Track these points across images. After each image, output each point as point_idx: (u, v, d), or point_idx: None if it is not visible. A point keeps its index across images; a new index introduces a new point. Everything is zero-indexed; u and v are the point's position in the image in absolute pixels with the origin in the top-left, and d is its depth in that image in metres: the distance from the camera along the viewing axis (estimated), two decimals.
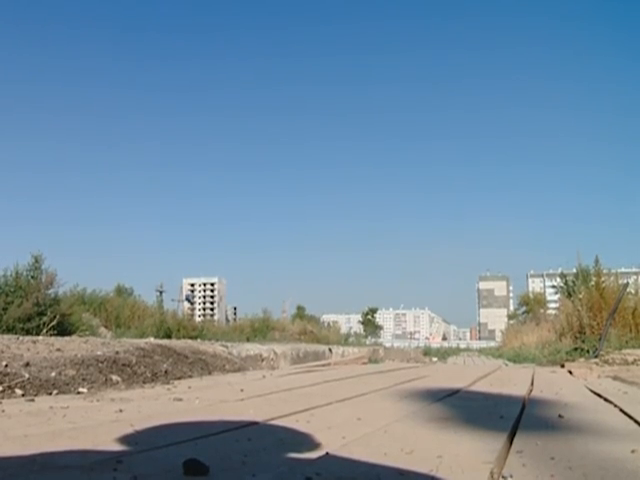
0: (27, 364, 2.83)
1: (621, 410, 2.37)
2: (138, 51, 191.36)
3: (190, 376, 4.18)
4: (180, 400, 2.63)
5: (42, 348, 3.29)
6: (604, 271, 10.69)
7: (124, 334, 12.07)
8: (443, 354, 22.03)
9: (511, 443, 1.61)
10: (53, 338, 4.17)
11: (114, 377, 3.29)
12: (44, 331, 8.32)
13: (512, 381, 3.90)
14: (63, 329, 9.04)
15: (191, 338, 10.25)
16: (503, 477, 1.24)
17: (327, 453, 1.41)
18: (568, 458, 1.41)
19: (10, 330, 7.94)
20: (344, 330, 30.55)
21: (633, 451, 1.48)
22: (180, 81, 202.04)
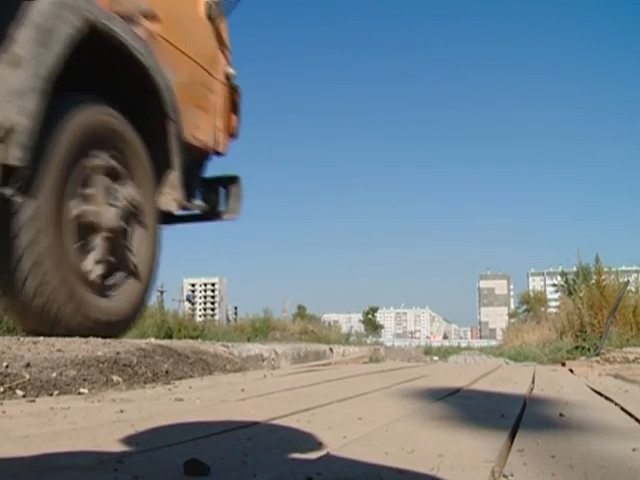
0: (28, 365, 2.83)
1: (622, 408, 2.36)
2: None
3: (191, 376, 4.18)
4: (181, 400, 2.63)
5: (43, 349, 3.28)
6: (604, 269, 10.69)
7: (125, 334, 12.06)
8: (444, 353, 22.03)
9: (512, 442, 1.60)
10: (54, 339, 4.18)
11: (115, 377, 3.29)
12: None
13: (513, 380, 3.90)
14: None
15: (192, 338, 10.25)
16: (504, 476, 1.24)
17: (328, 453, 1.41)
18: (569, 457, 1.41)
19: (11, 331, 7.94)
20: (345, 329, 30.54)
21: (634, 449, 1.48)
22: None
